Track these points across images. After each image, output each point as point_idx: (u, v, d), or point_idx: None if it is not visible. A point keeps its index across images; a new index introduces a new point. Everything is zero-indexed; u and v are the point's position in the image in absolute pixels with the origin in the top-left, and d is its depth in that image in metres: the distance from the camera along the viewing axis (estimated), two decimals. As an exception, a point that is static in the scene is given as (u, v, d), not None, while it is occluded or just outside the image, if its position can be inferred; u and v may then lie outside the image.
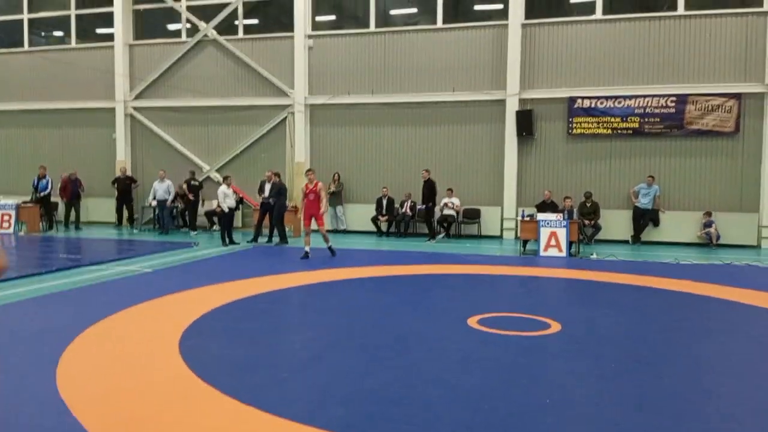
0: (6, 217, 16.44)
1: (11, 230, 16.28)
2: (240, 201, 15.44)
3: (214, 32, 18.09)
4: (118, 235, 16.55)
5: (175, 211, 17.50)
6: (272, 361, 5.58)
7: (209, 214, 17.09)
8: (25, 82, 19.85)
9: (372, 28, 17.09)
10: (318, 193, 12.04)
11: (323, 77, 17.35)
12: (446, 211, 16.00)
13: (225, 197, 14.06)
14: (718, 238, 14.43)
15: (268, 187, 14.57)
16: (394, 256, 12.64)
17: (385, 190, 16.55)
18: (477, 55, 16.24)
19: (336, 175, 16.95)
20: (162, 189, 17.05)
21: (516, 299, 8.73)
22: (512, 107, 15.80)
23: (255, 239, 14.68)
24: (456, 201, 16.01)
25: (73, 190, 17.42)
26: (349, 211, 17.13)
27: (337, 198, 16.91)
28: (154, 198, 17.07)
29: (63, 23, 19.96)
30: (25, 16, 20.08)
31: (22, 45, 20.16)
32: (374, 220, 16.54)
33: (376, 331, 6.64)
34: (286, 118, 17.67)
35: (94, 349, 5.89)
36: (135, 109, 18.92)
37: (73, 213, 17.54)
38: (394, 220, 16.49)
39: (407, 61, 16.77)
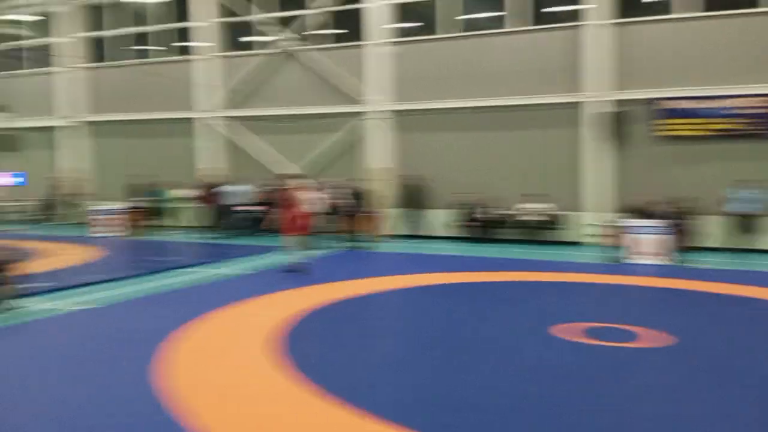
0: (112, 221, 17.59)
1: (117, 234, 17.37)
2: (330, 206, 15.80)
3: (294, 44, 18.63)
4: (210, 239, 17.31)
5: (255, 215, 18.10)
6: (367, 362, 5.72)
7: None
8: (120, 94, 21.10)
9: (448, 33, 17.11)
10: (305, 200, 11.54)
11: (405, 84, 17.50)
12: (524, 217, 15.73)
13: (314, 202, 14.45)
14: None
15: (340, 192, 14.92)
16: (479, 263, 12.58)
17: (468, 194, 16.43)
18: (558, 57, 15.91)
19: (414, 178, 16.98)
20: (239, 193, 17.75)
21: (604, 308, 8.51)
22: (593, 109, 15.37)
23: (345, 244, 14.96)
24: (537, 206, 15.71)
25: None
26: (432, 216, 17.15)
27: (418, 202, 16.96)
28: (234, 203, 17.78)
29: (157, 38, 21.10)
30: (124, 32, 21.36)
31: (121, 59, 21.46)
32: (456, 225, 16.50)
33: (463, 336, 6.67)
34: (365, 124, 17.96)
35: (196, 346, 6.23)
36: (220, 118, 19.75)
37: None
38: (477, 226, 16.36)
39: (485, 65, 16.64)
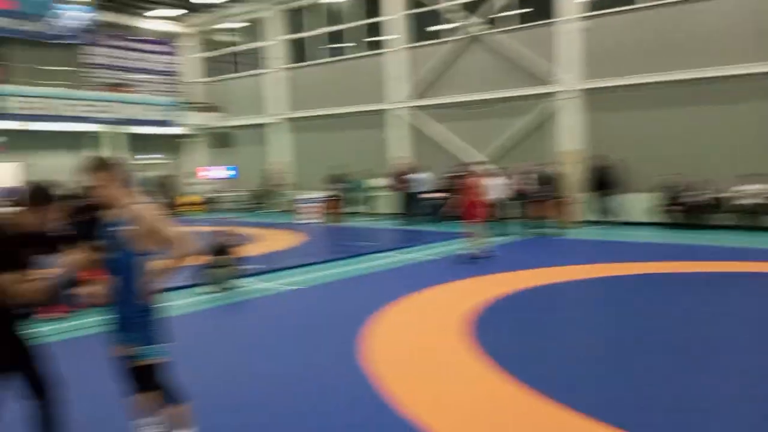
0: (311, 209, 18.98)
1: (315, 220, 18.71)
2: (516, 191, 15.47)
3: (481, 28, 18.41)
4: (399, 225, 17.89)
5: (438, 202, 18.30)
6: (564, 354, 5.52)
7: (487, 205, 17.50)
8: (318, 91, 22.54)
9: (646, 2, 15.77)
10: (478, 188, 10.78)
11: (599, 60, 16.51)
12: (742, 201, 14.02)
13: (501, 188, 14.30)
14: None
15: (528, 177, 14.44)
16: (684, 251, 11.47)
17: (674, 176, 15.03)
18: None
19: (606, 160, 15.93)
20: (424, 181, 18.02)
21: None
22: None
23: (532, 231, 14.56)
24: (756, 187, 13.91)
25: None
26: (627, 201, 16.03)
27: (611, 187, 15.92)
28: (419, 191, 18.14)
29: (348, 35, 22.18)
30: (318, 32, 22.77)
31: (317, 58, 22.94)
32: (657, 209, 15.23)
33: (673, 332, 6.14)
34: (556, 105, 17.26)
35: (393, 328, 6.47)
36: (412, 107, 20.22)
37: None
38: (681, 210, 14.96)
39: (687, 33, 15.08)
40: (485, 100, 18.48)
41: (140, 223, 3.30)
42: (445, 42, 19.43)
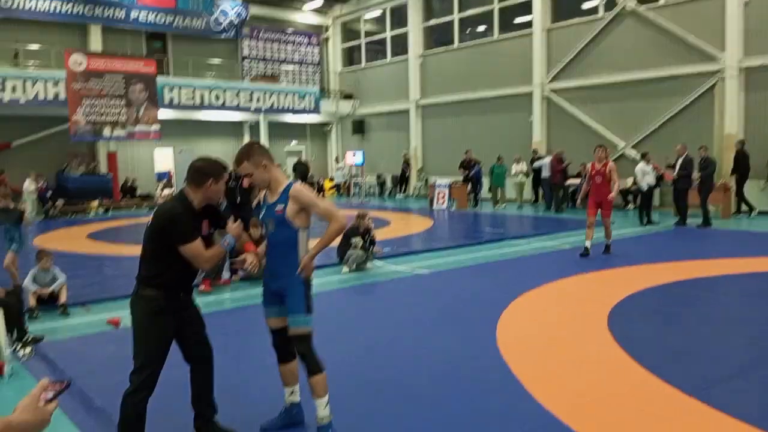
0: (441, 195, 18.97)
1: (445, 206, 18.71)
2: (660, 178, 14.46)
3: (633, 3, 17.28)
4: (536, 212, 17.43)
5: (573, 189, 17.53)
6: (712, 353, 5.11)
7: (623, 193, 16.58)
8: (454, 76, 22.38)
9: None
10: (608, 175, 9.56)
11: (762, 35, 14.93)
12: None
13: (644, 174, 13.45)
14: None
15: (681, 163, 13.31)
16: None
17: None
18: None
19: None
20: (549, 166, 17.36)
21: None
22: None
23: (682, 220, 13.53)
24: None
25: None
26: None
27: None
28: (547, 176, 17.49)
29: (486, 18, 21.79)
30: (456, 17, 22.59)
31: (452, 43, 22.78)
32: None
33: None
34: (714, 85, 15.85)
35: (527, 316, 6.34)
36: (552, 91, 19.49)
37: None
38: None
39: None
40: (637, 80, 17.31)
41: (298, 200, 3.51)
42: (590, 21, 18.50)
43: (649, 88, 17.06)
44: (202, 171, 3.46)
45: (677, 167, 13.31)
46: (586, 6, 19.03)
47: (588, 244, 9.65)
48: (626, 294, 7.08)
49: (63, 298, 6.91)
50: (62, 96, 19.05)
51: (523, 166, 18.52)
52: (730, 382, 4.41)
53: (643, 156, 14.12)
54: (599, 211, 9.69)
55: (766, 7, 14.85)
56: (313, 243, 3.58)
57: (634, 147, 17.33)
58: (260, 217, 3.67)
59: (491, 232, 13.12)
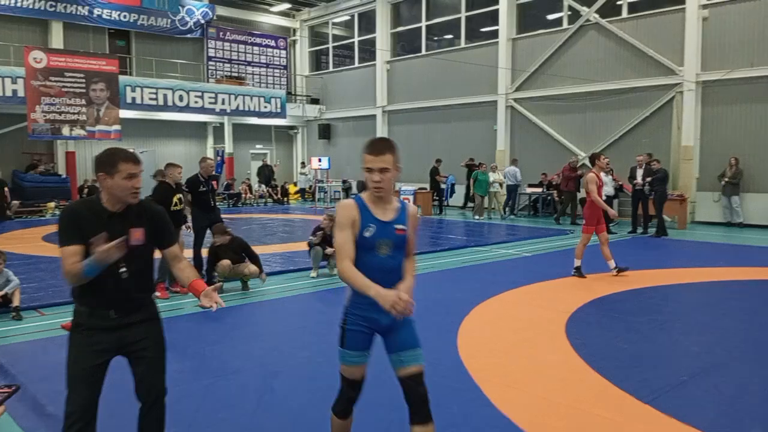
0: (410, 201, 19.04)
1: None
2: (619, 189, 14.85)
3: (596, 15, 17.67)
4: (501, 219, 17.64)
5: (542, 197, 17.83)
6: (665, 360, 5.24)
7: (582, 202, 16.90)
8: (421, 83, 22.54)
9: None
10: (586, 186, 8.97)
11: (719, 50, 15.43)
12: None
13: (603, 186, 13.73)
14: None
15: (640, 172, 13.69)
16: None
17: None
18: None
19: (733, 160, 14.89)
20: (515, 174, 17.70)
21: None
22: None
23: (633, 230, 13.99)
24: None
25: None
26: (748, 202, 14.94)
27: (733, 187, 14.89)
28: (515, 184, 17.82)
29: (454, 27, 22.01)
30: (423, 24, 22.76)
31: (420, 51, 22.93)
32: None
33: (792, 343, 5.67)
34: (672, 98, 16.30)
35: (488, 323, 6.40)
36: (515, 100, 19.78)
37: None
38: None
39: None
40: (593, 92, 17.74)
41: (413, 222, 3.04)
42: (557, 31, 18.84)
43: (610, 99, 17.47)
44: (96, 162, 2.89)
45: (638, 177, 13.67)
46: (550, 17, 19.38)
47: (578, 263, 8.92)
48: (584, 301, 7.22)
49: (16, 301, 6.71)
50: (21, 93, 18.57)
51: (499, 175, 18.47)
52: (683, 388, 4.53)
53: (603, 166, 14.38)
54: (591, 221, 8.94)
55: (723, 23, 15.36)
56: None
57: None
58: (369, 236, 2.90)
59: (455, 239, 13.22)
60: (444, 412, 4.12)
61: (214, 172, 8.88)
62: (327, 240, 8.95)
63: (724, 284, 8.39)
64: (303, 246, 10.16)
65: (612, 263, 8.85)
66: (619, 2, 17.49)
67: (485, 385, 4.55)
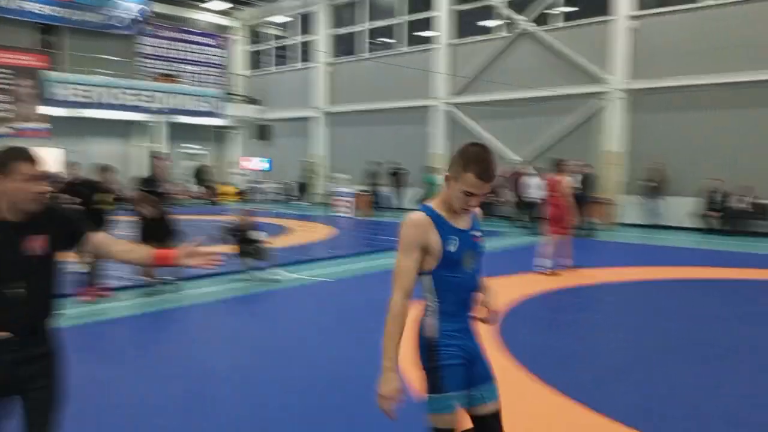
0: (344, 203, 19.16)
1: (349, 214, 18.89)
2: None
3: (530, 24, 18.23)
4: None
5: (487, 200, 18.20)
6: (592, 356, 5.51)
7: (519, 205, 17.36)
8: (362, 85, 22.66)
9: (701, 2, 15.41)
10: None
11: (649, 60, 16.19)
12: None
13: (537, 189, 14.20)
14: None
15: (578, 177, 14.25)
16: (722, 257, 11.25)
17: (717, 182, 14.69)
18: None
19: (659, 165, 15.61)
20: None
21: None
22: None
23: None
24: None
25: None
26: (669, 204, 15.73)
27: (655, 190, 15.65)
28: None
29: (396, 31, 22.21)
30: (366, 27, 22.88)
31: (362, 53, 23.03)
32: (702, 215, 14.92)
33: (699, 339, 6.05)
34: (600, 105, 16.99)
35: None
36: (454, 104, 20.16)
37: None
38: (725, 216, 14.64)
39: (745, 35, 14.69)
40: (532, 98, 18.24)
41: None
42: (493, 39, 19.30)
43: (544, 105, 18.05)
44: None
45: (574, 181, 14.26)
46: (489, 24, 19.85)
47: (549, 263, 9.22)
48: (516, 301, 7.46)
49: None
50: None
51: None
52: (608, 384, 4.77)
53: (535, 170, 14.94)
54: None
55: (652, 34, 16.13)
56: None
57: (528, 162, 18.23)
58: (454, 250, 2.48)
59: (390, 240, 13.34)
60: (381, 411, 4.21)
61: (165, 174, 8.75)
62: (246, 240, 8.86)
63: (644, 284, 8.82)
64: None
65: (549, 263, 9.20)
66: (554, 12, 18.11)
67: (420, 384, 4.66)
